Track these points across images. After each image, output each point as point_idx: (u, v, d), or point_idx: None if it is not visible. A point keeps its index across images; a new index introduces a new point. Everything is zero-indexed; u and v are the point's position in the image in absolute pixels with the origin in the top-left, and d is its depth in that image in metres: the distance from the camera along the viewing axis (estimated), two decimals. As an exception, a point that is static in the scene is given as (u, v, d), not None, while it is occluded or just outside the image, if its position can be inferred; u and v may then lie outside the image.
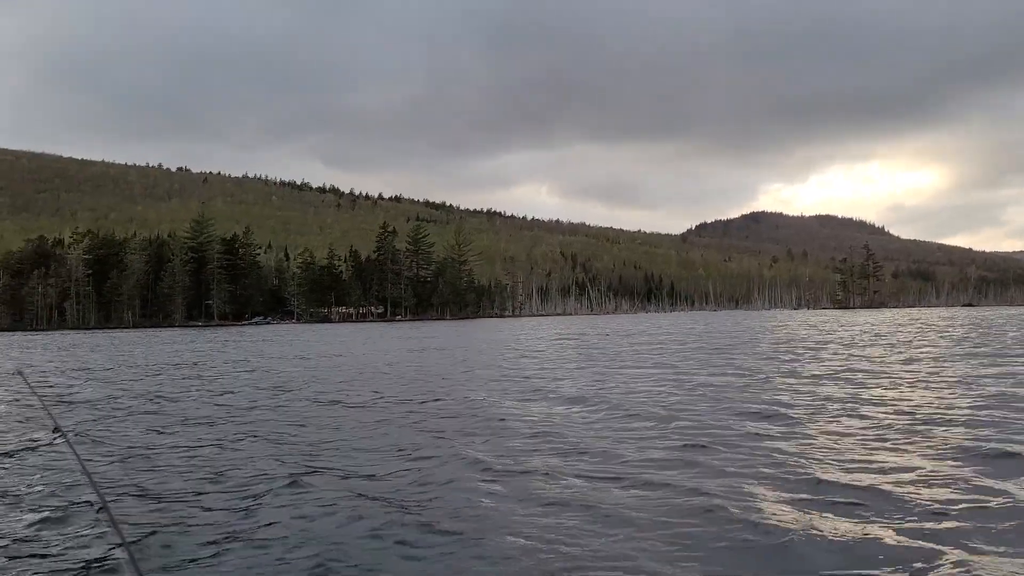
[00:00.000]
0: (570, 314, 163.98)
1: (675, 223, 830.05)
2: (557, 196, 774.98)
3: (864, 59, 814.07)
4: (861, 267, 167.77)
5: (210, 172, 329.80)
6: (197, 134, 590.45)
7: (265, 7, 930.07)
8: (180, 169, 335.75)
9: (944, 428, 8.86)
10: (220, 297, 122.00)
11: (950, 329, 40.93)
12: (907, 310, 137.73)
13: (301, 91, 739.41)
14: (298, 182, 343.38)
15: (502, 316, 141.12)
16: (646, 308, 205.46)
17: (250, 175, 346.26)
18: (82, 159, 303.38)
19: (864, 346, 26.78)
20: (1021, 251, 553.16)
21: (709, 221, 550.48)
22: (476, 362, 23.20)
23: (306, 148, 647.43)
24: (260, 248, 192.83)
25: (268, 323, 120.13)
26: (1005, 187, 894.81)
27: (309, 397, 14.06)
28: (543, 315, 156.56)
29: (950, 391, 12.62)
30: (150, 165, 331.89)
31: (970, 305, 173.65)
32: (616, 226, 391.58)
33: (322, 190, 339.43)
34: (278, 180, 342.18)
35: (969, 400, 11.38)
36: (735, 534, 5.17)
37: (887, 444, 8.09)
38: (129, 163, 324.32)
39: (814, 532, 5.16)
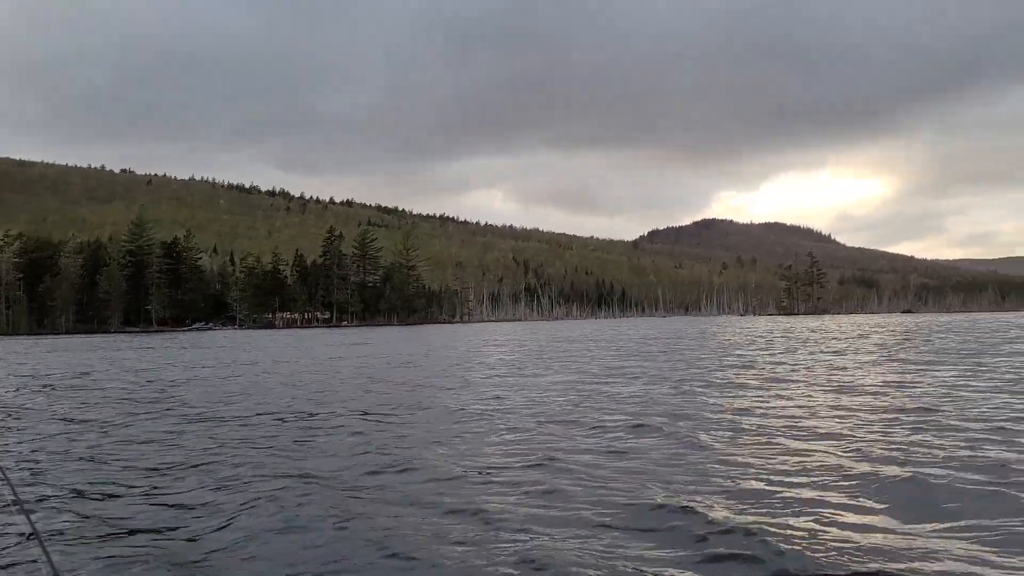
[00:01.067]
0: (520, 320, 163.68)
1: (631, 229, 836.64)
2: (513, 202, 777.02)
3: (819, 70, 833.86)
4: (805, 274, 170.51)
5: (155, 174, 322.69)
6: (150, 136, 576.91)
7: (225, 10, 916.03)
8: (124, 171, 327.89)
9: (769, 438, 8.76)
10: (159, 302, 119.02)
11: (874, 334, 41.36)
12: (849, 316, 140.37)
13: (260, 95, 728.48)
14: (247, 185, 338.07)
15: (451, 322, 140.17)
16: (597, 314, 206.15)
17: (197, 178, 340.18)
18: (21, 160, 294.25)
19: (775, 352, 26.71)
20: (961, 259, 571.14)
21: (661, 228, 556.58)
22: (375, 369, 22.47)
23: (263, 152, 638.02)
24: (205, 252, 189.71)
25: (209, 329, 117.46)
26: (949, 197, 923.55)
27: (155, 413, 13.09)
28: (493, 321, 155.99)
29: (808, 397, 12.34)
30: (92, 167, 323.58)
31: (909, 312, 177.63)
32: (571, 232, 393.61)
33: (271, 193, 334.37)
34: (226, 183, 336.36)
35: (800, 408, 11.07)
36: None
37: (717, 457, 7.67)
38: (71, 164, 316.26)
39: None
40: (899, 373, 17.21)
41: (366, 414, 11.78)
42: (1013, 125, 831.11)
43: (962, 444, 8.14)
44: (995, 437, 8.50)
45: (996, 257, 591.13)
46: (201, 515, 6.00)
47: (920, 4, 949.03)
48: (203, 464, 8.00)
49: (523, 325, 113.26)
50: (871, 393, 13.25)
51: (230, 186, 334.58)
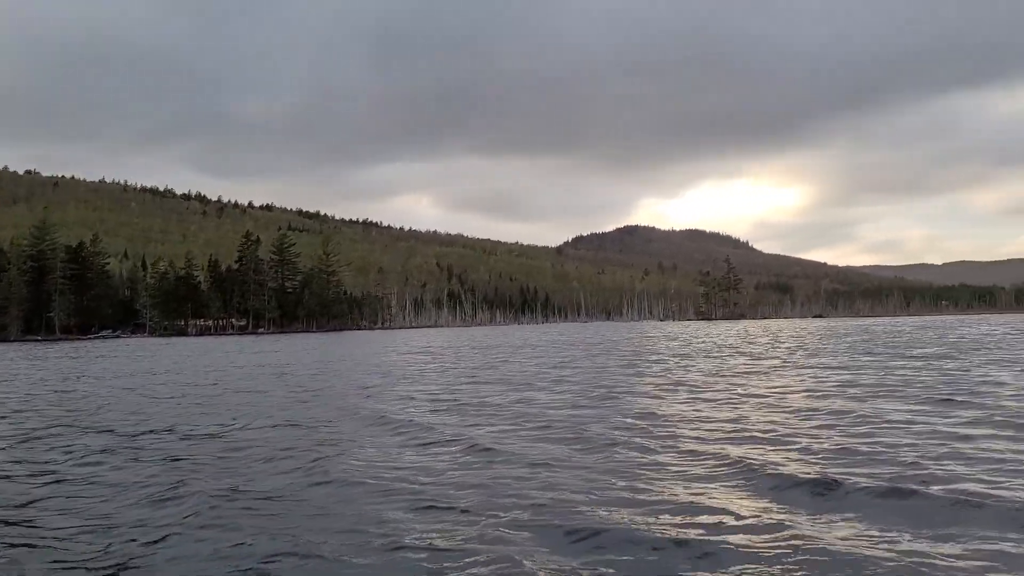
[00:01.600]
0: (442, 326, 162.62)
1: (556, 236, 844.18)
2: (440, 208, 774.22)
3: (739, 83, 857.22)
4: (722, 280, 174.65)
5: (62, 176, 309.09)
6: (58, 137, 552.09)
7: (145, 10, 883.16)
8: (28, 172, 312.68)
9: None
10: (63, 309, 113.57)
11: (767, 338, 42.25)
12: (763, 321, 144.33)
13: (179, 96, 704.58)
14: (161, 188, 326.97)
15: (371, 328, 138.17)
16: (519, 320, 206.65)
17: (108, 180, 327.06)
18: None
19: (684, 356, 26.86)
20: (871, 265, 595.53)
21: (586, 234, 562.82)
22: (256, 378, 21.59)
23: (179, 154, 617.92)
24: (114, 257, 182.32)
25: (117, 336, 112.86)
26: (859, 206, 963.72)
27: None
28: (414, 327, 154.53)
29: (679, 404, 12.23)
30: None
31: (820, 316, 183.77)
32: (496, 238, 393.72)
33: (187, 197, 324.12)
34: (139, 185, 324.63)
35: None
36: None
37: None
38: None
39: None
40: (786, 375, 17.36)
41: (187, 435, 11.07)
42: (917, 139, 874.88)
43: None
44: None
45: (903, 264, 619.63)
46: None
47: (830, 26, 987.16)
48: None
49: (444, 331, 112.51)
50: (759, 396, 13.25)
51: (143, 188, 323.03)
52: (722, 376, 18.29)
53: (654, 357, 27.72)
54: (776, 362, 23.29)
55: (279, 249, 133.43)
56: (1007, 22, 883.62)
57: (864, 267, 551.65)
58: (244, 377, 22.38)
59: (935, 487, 6.45)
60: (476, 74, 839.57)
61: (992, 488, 6.37)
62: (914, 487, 6.45)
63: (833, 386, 15.04)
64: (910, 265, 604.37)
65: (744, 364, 22.62)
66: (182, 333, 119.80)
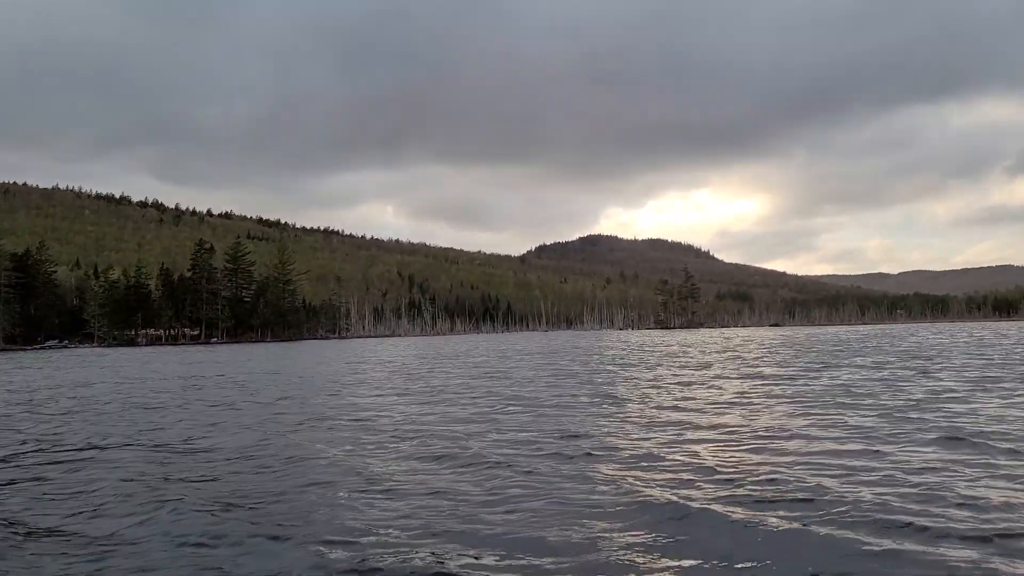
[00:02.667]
0: (400, 335, 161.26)
1: (520, 245, 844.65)
2: (404, 217, 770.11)
3: (701, 94, 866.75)
4: (680, 289, 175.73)
5: (13, 183, 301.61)
6: (16, 143, 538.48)
7: (104, 15, 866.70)
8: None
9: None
10: (7, 319, 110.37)
11: (713, 349, 42.26)
12: (721, 330, 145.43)
13: (136, 102, 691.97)
14: (117, 195, 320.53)
15: (327, 338, 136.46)
16: (480, 329, 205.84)
17: (62, 187, 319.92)
18: None
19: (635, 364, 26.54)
20: (829, 274, 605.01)
21: (549, 243, 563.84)
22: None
23: (140, 162, 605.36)
24: (65, 265, 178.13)
25: (64, 347, 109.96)
26: (819, 216, 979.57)
27: None
28: (372, 336, 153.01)
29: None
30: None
31: (776, 325, 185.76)
32: (460, 247, 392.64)
33: (143, 204, 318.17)
34: (93, 192, 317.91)
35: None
36: None
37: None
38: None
39: None
40: (715, 388, 17.08)
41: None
42: (875, 151, 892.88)
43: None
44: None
45: (861, 273, 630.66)
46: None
47: (788, 40, 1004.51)
48: None
49: (402, 341, 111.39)
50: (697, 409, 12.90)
51: (98, 196, 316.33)
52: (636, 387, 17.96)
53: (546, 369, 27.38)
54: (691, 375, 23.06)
55: (233, 257, 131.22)
56: (961, 39, 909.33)
57: (823, 276, 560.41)
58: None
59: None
60: (439, 82, 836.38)
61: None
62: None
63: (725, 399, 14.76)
64: (867, 274, 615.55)
65: (657, 376, 22.33)
66: (132, 343, 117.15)
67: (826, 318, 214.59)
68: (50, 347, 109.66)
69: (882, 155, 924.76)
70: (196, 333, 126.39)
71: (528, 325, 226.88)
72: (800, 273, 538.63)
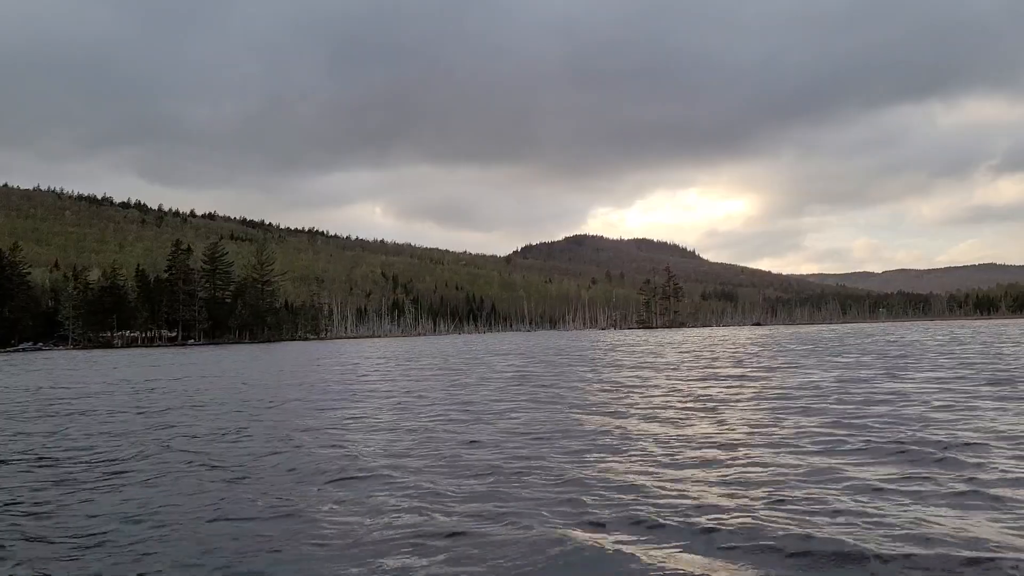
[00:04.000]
0: (380, 336, 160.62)
1: (507, 245, 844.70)
2: (392, 217, 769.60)
3: (688, 92, 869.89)
4: (662, 289, 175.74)
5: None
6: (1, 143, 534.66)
7: (90, 13, 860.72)
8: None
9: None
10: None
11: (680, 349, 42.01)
12: (702, 329, 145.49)
13: (123, 101, 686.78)
14: (99, 196, 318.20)
15: (306, 339, 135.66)
16: (461, 329, 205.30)
17: (43, 187, 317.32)
18: None
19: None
20: (815, 273, 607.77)
21: (535, 243, 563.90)
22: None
23: (125, 162, 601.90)
24: (44, 267, 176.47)
25: (38, 349, 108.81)
26: (807, 215, 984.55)
27: None
28: (353, 337, 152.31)
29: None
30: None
31: (758, 324, 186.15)
32: (447, 247, 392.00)
33: (125, 205, 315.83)
34: (75, 193, 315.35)
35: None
36: None
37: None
38: None
39: None
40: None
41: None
42: (862, 150, 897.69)
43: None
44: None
45: (846, 272, 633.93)
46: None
47: (775, 40, 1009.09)
48: None
49: (379, 342, 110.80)
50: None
51: (79, 197, 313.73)
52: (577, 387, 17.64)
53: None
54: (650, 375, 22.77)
55: (211, 258, 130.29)
56: (948, 38, 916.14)
57: (808, 275, 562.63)
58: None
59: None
60: (427, 82, 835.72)
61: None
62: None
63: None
64: (852, 273, 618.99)
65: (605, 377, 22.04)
66: (108, 345, 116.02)
67: (808, 317, 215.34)
68: (23, 349, 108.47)
69: (869, 155, 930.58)
70: (173, 335, 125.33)
71: (512, 325, 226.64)
72: (786, 272, 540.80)
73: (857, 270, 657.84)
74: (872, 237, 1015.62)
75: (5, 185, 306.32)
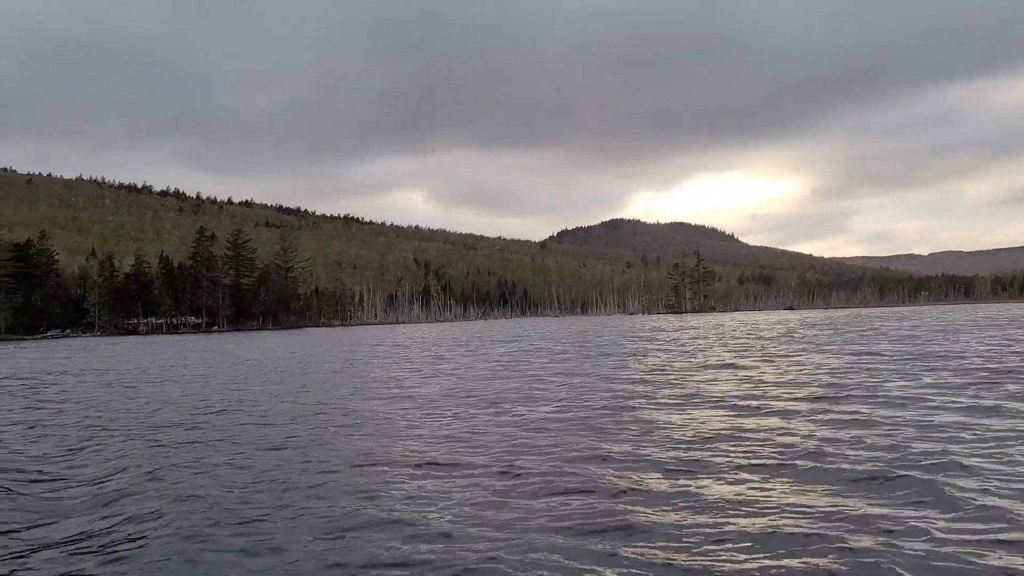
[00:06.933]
0: (406, 322, 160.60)
1: (545, 230, 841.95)
2: (432, 203, 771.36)
3: (733, 73, 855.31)
4: (692, 272, 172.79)
5: (37, 173, 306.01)
6: (51, 135, 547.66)
7: (141, 5, 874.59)
8: (4, 170, 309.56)
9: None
10: (7, 309, 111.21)
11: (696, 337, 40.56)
12: (732, 314, 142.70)
13: (171, 92, 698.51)
14: (139, 185, 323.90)
15: (331, 325, 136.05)
16: (491, 315, 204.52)
17: (86, 177, 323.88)
18: None
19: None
20: (859, 256, 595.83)
21: (571, 228, 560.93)
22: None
23: (172, 151, 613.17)
24: (82, 255, 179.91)
25: (66, 336, 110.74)
26: (853, 197, 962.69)
27: None
28: (378, 323, 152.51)
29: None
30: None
31: (790, 308, 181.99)
32: (486, 233, 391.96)
33: (164, 193, 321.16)
34: (116, 183, 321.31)
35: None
36: None
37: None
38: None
39: None
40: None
41: None
42: (913, 129, 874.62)
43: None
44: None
45: (890, 254, 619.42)
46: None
47: (825, 17, 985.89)
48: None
49: (398, 328, 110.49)
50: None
51: (120, 186, 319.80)
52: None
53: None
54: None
55: (234, 245, 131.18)
56: (1004, 14, 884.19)
57: (852, 258, 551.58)
58: None
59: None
60: (469, 67, 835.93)
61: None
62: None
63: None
64: (897, 255, 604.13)
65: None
66: (134, 332, 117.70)
67: (844, 301, 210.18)
68: (52, 336, 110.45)
69: (920, 134, 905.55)
70: (198, 322, 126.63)
71: (541, 310, 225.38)
72: (829, 255, 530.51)
73: (902, 252, 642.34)
74: (919, 219, 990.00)
75: (48, 175, 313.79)
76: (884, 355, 19.74)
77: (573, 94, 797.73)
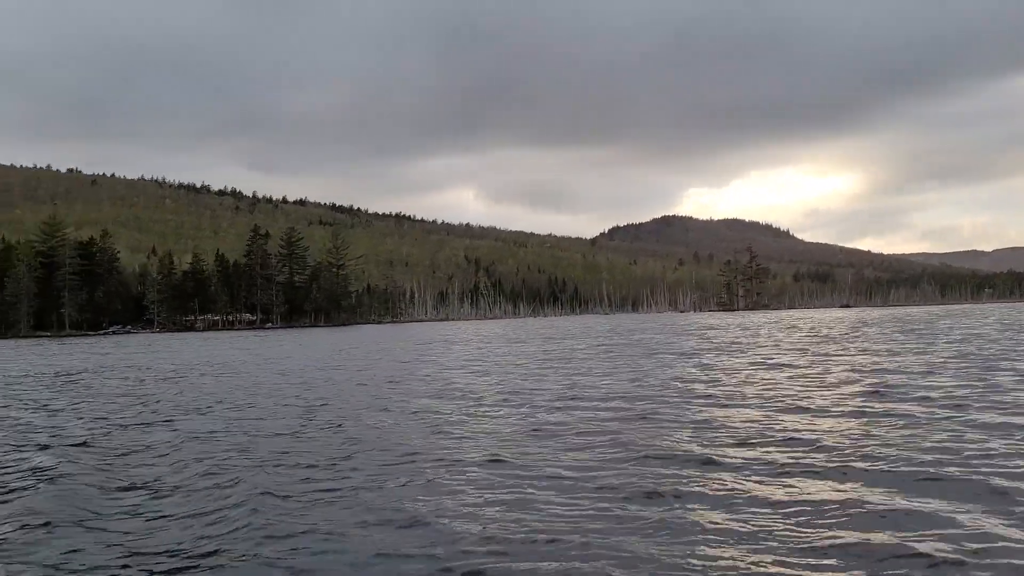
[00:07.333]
0: (456, 319, 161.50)
1: (596, 227, 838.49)
2: (485, 201, 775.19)
3: (789, 67, 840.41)
4: (744, 269, 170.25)
5: (101, 174, 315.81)
6: (115, 136, 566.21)
7: (201, 6, 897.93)
8: (70, 171, 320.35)
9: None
10: (73, 305, 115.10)
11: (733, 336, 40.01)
12: (785, 311, 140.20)
13: (234, 93, 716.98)
14: (197, 185, 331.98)
15: (380, 323, 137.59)
16: (541, 313, 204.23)
17: (148, 177, 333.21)
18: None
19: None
20: (919, 253, 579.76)
21: (622, 225, 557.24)
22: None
23: (232, 150, 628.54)
24: (142, 253, 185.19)
25: (127, 332, 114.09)
26: (914, 193, 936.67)
27: None
28: (428, 320, 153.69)
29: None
30: (37, 167, 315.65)
31: (846, 306, 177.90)
32: (537, 231, 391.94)
33: (222, 193, 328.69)
34: (176, 182, 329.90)
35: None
36: None
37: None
38: (17, 164, 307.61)
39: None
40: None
41: None
42: (977, 123, 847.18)
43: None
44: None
45: (952, 251, 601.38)
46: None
47: (884, 8, 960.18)
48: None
49: (443, 325, 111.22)
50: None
51: (180, 185, 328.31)
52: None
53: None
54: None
55: (287, 243, 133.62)
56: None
57: (912, 255, 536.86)
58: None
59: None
60: (522, 64, 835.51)
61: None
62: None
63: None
64: (959, 252, 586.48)
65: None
66: (191, 328, 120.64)
67: (904, 298, 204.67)
68: (113, 332, 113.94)
69: (985, 127, 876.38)
70: (253, 319, 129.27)
71: (592, 308, 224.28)
72: (888, 252, 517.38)
73: (965, 249, 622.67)
74: (984, 214, 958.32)
75: (113, 175, 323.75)
76: (942, 353, 19.30)
77: (626, 90, 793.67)
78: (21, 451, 9.33)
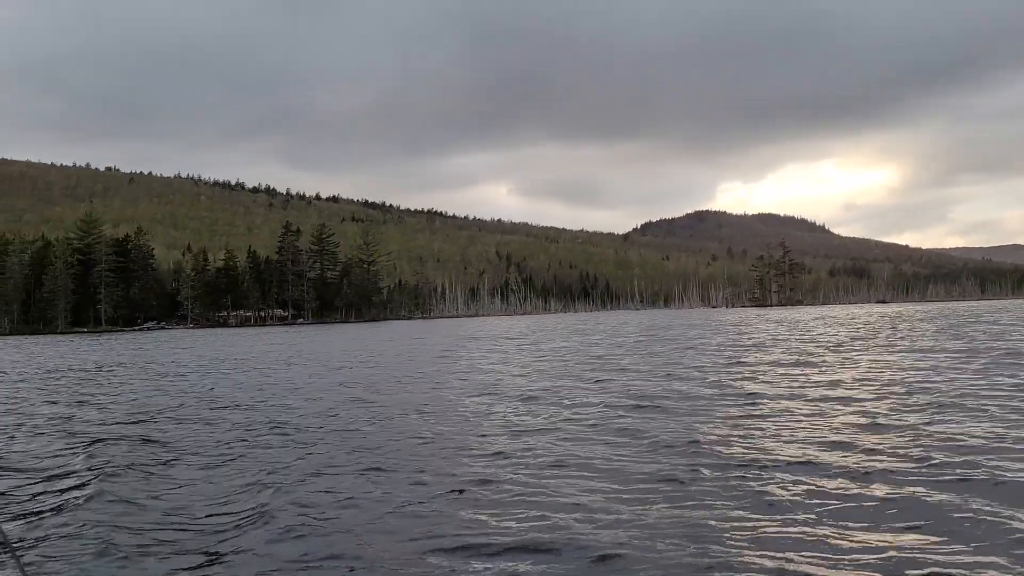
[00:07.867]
0: (486, 315, 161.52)
1: (629, 222, 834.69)
2: (517, 196, 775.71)
3: (825, 59, 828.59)
4: (777, 264, 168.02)
5: (139, 172, 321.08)
6: (152, 135, 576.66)
7: (233, 6, 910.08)
8: (108, 169, 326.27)
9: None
10: (109, 301, 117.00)
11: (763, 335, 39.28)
12: (819, 307, 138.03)
13: (268, 92, 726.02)
14: (232, 182, 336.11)
15: (411, 318, 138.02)
16: (572, 308, 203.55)
17: (183, 175, 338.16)
18: (1, 158, 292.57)
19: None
20: (960, 247, 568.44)
21: (655, 220, 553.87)
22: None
23: (266, 148, 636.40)
24: (178, 250, 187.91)
25: (161, 328, 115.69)
26: (954, 186, 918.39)
27: None
28: (459, 316, 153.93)
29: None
30: (76, 165, 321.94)
31: (883, 302, 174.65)
32: (570, 226, 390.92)
33: (255, 190, 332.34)
34: (211, 180, 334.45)
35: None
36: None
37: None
38: (57, 163, 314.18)
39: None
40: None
41: None
42: (1014, 115, 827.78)
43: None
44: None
45: (994, 245, 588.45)
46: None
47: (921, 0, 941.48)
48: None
49: (471, 321, 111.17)
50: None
51: (214, 183, 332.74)
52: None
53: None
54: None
55: (318, 239, 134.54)
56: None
57: (952, 249, 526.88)
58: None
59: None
60: (554, 60, 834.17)
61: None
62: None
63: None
64: (1001, 246, 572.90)
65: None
66: (223, 324, 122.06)
67: (943, 294, 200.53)
68: (148, 328, 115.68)
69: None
70: (285, 315, 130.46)
71: (623, 304, 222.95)
72: (927, 246, 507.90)
73: (1007, 243, 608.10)
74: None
75: (150, 173, 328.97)
76: (981, 352, 18.56)
77: (659, 84, 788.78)
78: (62, 442, 9.39)
